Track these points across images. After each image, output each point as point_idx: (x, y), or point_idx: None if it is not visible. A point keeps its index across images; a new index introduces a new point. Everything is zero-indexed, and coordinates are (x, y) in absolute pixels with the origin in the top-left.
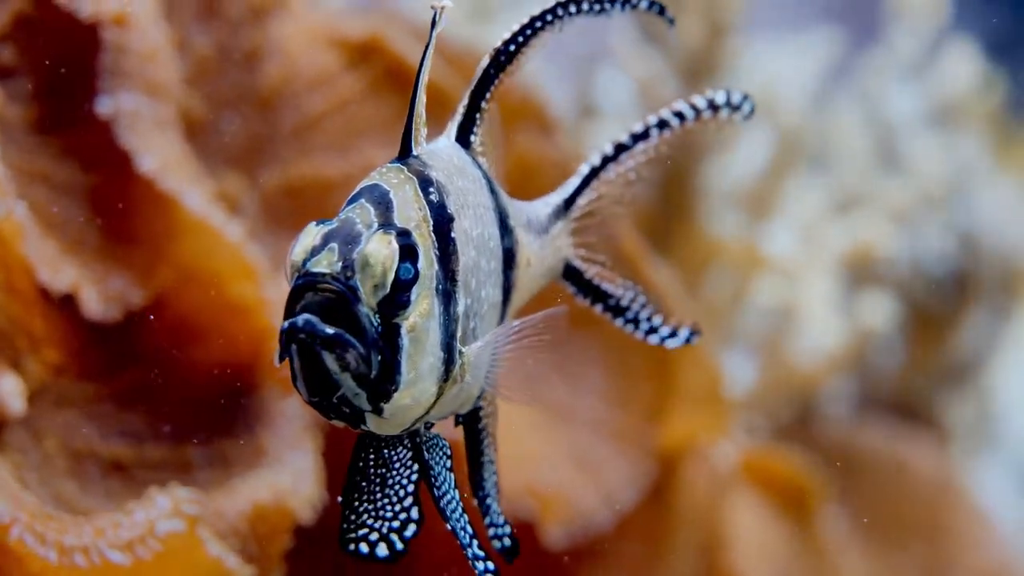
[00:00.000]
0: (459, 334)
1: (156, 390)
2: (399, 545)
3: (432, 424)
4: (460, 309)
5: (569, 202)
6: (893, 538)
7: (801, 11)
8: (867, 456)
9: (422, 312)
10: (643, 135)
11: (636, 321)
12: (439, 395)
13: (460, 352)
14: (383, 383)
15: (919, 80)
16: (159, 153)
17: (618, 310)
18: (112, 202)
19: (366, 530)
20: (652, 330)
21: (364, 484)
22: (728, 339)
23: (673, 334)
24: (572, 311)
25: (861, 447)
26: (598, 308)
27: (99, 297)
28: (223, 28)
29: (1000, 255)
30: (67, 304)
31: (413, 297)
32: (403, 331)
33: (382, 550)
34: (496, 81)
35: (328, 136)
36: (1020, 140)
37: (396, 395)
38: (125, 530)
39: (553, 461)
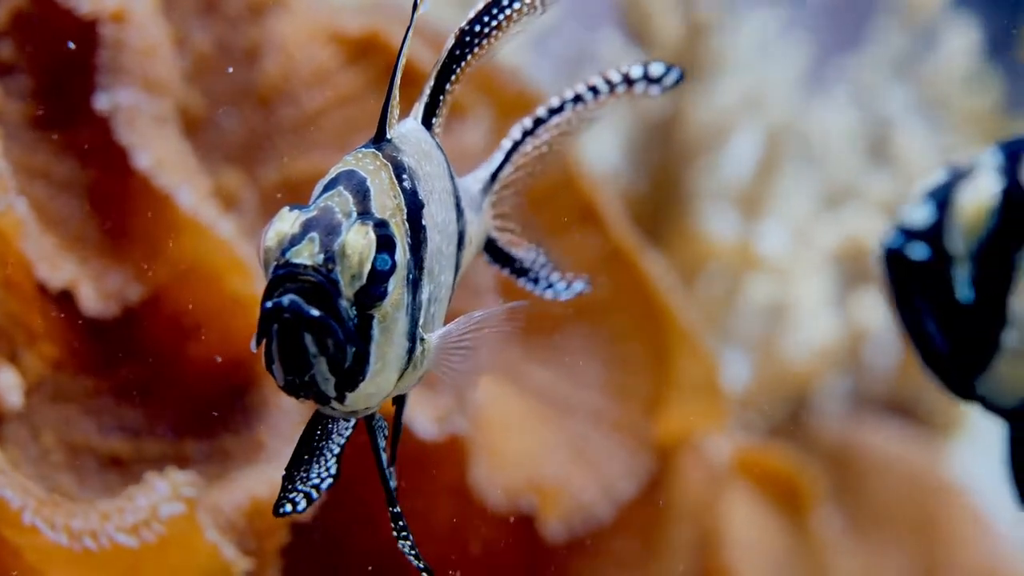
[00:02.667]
0: (422, 321)
1: (154, 385)
2: (314, 496)
3: None
4: (425, 296)
5: (494, 177)
6: (888, 535)
7: (792, 4)
8: (862, 453)
9: (393, 303)
10: (558, 109)
11: (536, 280)
12: (398, 381)
13: (422, 339)
14: (353, 374)
15: (913, 72)
16: (155, 149)
17: (521, 271)
18: (111, 198)
19: (295, 493)
20: (549, 286)
21: (307, 457)
22: (722, 337)
23: (568, 287)
24: (569, 306)
25: (857, 444)
26: (505, 271)
27: (97, 293)
28: (222, 24)
29: None
30: (65, 299)
31: (389, 288)
32: (375, 322)
33: (301, 504)
34: (464, 63)
35: (327, 132)
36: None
37: (362, 385)
38: (130, 514)
39: (553, 454)
